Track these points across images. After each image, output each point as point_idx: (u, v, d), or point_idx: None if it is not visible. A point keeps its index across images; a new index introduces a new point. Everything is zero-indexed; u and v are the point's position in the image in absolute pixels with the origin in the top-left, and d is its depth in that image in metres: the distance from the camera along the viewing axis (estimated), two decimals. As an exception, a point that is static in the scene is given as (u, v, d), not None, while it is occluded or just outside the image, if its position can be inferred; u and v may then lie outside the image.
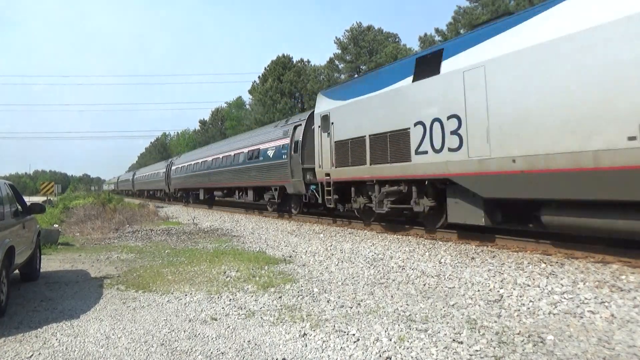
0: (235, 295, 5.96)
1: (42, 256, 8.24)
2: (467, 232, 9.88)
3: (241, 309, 5.37)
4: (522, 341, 4.06)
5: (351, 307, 5.29)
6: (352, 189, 12.20)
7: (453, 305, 5.29)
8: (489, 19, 10.15)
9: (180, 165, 32.06)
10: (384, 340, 4.18)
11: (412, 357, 3.80)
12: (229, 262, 8.33)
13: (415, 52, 19.52)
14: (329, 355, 3.91)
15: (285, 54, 44.98)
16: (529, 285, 5.74)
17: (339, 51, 39.92)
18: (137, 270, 7.85)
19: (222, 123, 62.07)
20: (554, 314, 4.78)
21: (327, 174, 12.83)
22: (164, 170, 36.95)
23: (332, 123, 12.55)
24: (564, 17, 6.77)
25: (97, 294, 6.27)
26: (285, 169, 16.07)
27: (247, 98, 53.96)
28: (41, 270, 7.77)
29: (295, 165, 15.36)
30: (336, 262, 8.13)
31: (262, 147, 18.34)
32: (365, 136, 11.07)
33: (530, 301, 5.22)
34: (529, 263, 6.86)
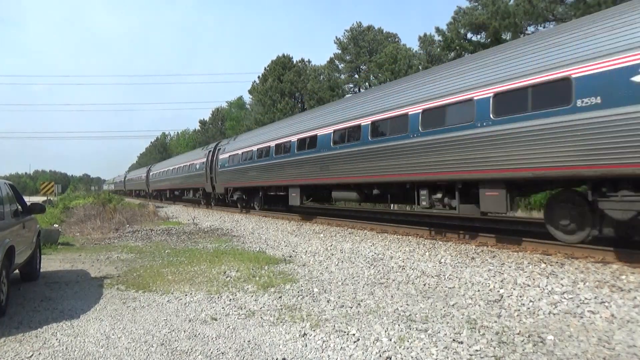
0: (236, 295, 5.96)
1: (42, 256, 8.24)
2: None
3: (241, 309, 5.37)
4: (522, 341, 4.06)
5: (351, 307, 5.29)
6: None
7: (453, 305, 5.29)
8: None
9: (233, 153, 21.73)
10: (384, 340, 4.18)
11: (412, 357, 3.80)
12: (229, 262, 8.33)
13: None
14: (329, 355, 3.91)
15: (286, 54, 45.02)
16: (529, 285, 5.74)
17: (339, 51, 39.92)
18: (137, 270, 7.85)
19: (223, 123, 62.04)
20: (554, 314, 4.78)
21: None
22: (204, 160, 25.54)
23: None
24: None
25: (97, 294, 6.27)
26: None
27: (247, 98, 53.99)
28: (41, 270, 7.77)
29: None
30: (336, 262, 8.13)
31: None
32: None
33: (531, 301, 5.22)
34: (529, 263, 6.86)
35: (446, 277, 6.61)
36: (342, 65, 40.14)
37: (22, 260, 6.33)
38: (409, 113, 9.99)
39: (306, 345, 4.14)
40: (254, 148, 18.88)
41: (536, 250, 7.98)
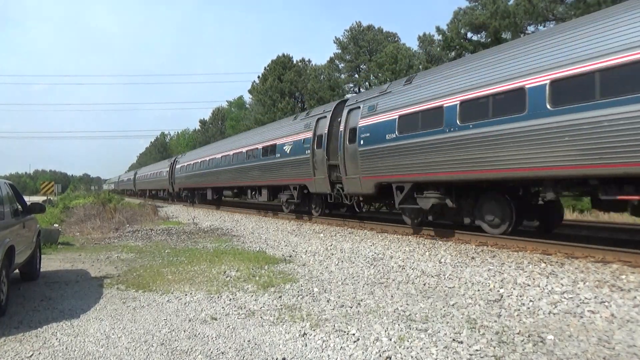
0: (235, 295, 5.96)
1: (42, 256, 8.23)
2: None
3: (241, 308, 5.37)
4: (522, 341, 4.06)
5: (351, 307, 5.29)
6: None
7: (453, 304, 5.28)
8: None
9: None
10: (384, 340, 4.18)
11: (412, 357, 3.80)
12: (229, 262, 8.33)
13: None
14: (329, 355, 3.91)
15: (286, 54, 45.01)
16: (529, 285, 5.74)
17: (339, 51, 39.92)
18: (137, 270, 7.85)
19: (223, 122, 62.03)
20: (554, 314, 4.78)
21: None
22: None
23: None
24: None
25: (97, 293, 6.27)
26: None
27: (247, 98, 53.97)
28: (41, 269, 7.77)
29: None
30: (336, 262, 8.13)
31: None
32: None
33: (530, 301, 5.22)
34: (529, 263, 6.86)
35: (446, 276, 6.61)
36: (342, 65, 40.14)
37: (22, 260, 6.33)
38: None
39: (306, 345, 4.14)
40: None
41: (536, 250, 7.97)
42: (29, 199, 11.83)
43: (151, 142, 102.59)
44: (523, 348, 3.90)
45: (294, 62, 44.54)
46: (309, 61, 44.56)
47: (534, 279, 5.92)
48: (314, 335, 4.36)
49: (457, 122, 8.78)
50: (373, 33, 38.73)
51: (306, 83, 39.32)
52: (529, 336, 4.17)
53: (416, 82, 10.44)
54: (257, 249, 10.10)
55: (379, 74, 32.75)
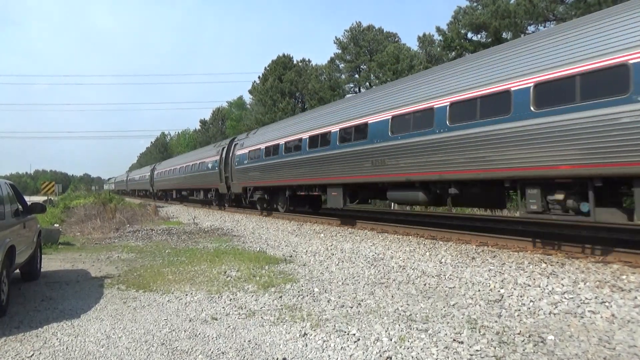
0: (236, 295, 5.96)
1: (42, 256, 8.24)
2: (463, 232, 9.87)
3: (242, 308, 5.37)
4: (523, 341, 4.06)
5: (352, 307, 5.29)
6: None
7: (453, 305, 5.28)
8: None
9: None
10: (384, 340, 4.18)
11: (412, 357, 3.80)
12: (230, 262, 8.33)
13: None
14: (329, 355, 3.91)
15: (286, 54, 45.02)
16: (529, 285, 5.73)
17: (339, 51, 39.91)
18: (137, 270, 7.85)
19: (223, 123, 62.05)
20: (554, 314, 4.78)
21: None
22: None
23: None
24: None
25: (97, 293, 6.27)
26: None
27: (248, 98, 53.98)
28: (42, 269, 7.77)
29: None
30: (337, 262, 8.13)
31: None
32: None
33: (531, 301, 5.21)
34: (529, 263, 6.85)
35: (447, 277, 6.61)
36: (342, 65, 40.12)
37: (22, 259, 6.34)
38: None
39: (306, 345, 4.14)
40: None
41: (537, 250, 7.97)
42: (29, 199, 11.83)
43: (151, 142, 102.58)
44: (524, 348, 3.90)
45: (294, 62, 44.56)
46: (309, 61, 44.60)
47: (534, 279, 5.92)
48: (315, 336, 4.36)
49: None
50: (373, 33, 38.70)
51: (307, 83, 39.32)
52: (529, 336, 4.17)
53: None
54: (258, 249, 10.10)
55: (380, 74, 32.74)
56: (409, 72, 28.77)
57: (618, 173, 6.45)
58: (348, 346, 4.08)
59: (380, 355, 3.85)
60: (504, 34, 22.09)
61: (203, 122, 68.47)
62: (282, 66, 43.82)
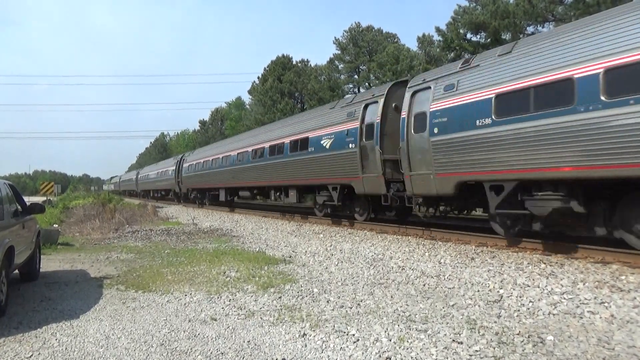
0: (235, 296, 5.96)
1: (41, 256, 8.23)
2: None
3: (241, 309, 5.37)
4: (522, 341, 4.06)
5: (351, 308, 5.29)
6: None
7: (453, 305, 5.29)
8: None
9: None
10: (383, 341, 4.18)
11: (411, 358, 3.80)
12: (229, 262, 8.33)
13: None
14: (328, 356, 3.91)
15: (285, 54, 45.07)
16: (528, 286, 5.74)
17: (339, 51, 39.92)
18: (136, 271, 7.84)
19: (222, 123, 62.06)
20: (553, 315, 4.78)
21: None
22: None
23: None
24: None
25: (96, 294, 6.27)
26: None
27: (246, 98, 53.98)
28: (41, 270, 7.76)
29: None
30: (336, 263, 8.13)
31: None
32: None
33: (530, 301, 5.22)
34: (528, 263, 6.86)
35: (446, 277, 6.61)
36: (341, 65, 40.13)
37: (21, 260, 6.33)
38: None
39: (306, 346, 4.14)
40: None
41: (536, 250, 7.97)
42: (28, 200, 11.82)
43: (151, 143, 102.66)
44: (523, 349, 3.90)
45: (294, 62, 44.59)
46: (307, 61, 44.64)
47: (533, 280, 5.93)
48: (314, 336, 4.36)
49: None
50: (372, 34, 38.72)
51: (306, 84, 39.34)
52: (528, 337, 4.17)
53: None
54: (257, 249, 10.10)
55: (380, 75, 32.76)
56: (408, 72, 28.78)
57: None
58: (347, 347, 4.08)
59: (380, 356, 3.85)
60: (503, 34, 22.12)
61: (202, 123, 68.49)
62: (281, 67, 43.86)
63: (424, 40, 32.20)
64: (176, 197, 35.33)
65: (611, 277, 5.83)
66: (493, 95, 8.16)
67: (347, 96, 18.28)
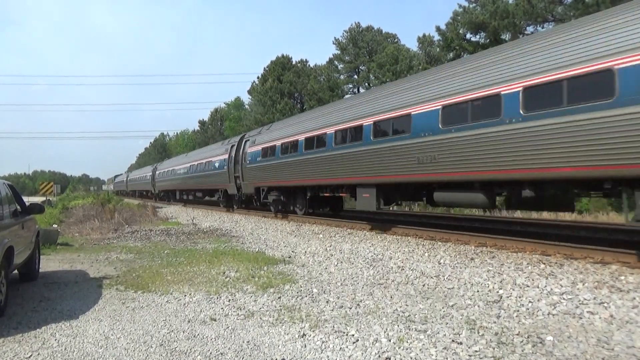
0: (235, 296, 5.95)
1: (41, 256, 8.22)
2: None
3: (240, 309, 5.36)
4: (522, 342, 4.06)
5: (350, 308, 5.29)
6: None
7: (452, 305, 5.29)
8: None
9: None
10: (383, 341, 4.18)
11: (411, 358, 3.80)
12: (228, 263, 8.32)
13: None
14: (328, 356, 3.91)
15: (285, 54, 45.09)
16: (528, 286, 5.74)
17: (338, 52, 39.93)
18: (136, 271, 7.84)
19: (221, 123, 62.06)
20: (553, 315, 4.78)
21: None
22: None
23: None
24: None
25: (96, 294, 6.26)
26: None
27: (246, 98, 54.00)
28: (40, 270, 7.76)
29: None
30: (335, 263, 8.12)
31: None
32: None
33: (530, 302, 5.22)
34: (528, 264, 6.86)
35: (445, 277, 6.61)
36: (341, 65, 40.15)
37: (21, 260, 6.32)
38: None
39: (305, 346, 4.14)
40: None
41: (535, 250, 7.97)
42: (27, 200, 11.81)
43: (150, 143, 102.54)
44: (522, 349, 3.90)
45: (293, 62, 44.61)
46: (306, 61, 44.64)
47: (533, 280, 5.93)
48: (313, 336, 4.36)
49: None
50: (372, 34, 38.75)
51: (305, 84, 39.34)
52: (528, 337, 4.17)
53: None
54: (257, 249, 10.09)
55: (379, 75, 32.76)
56: (407, 72, 28.79)
57: None
58: (347, 347, 4.08)
59: (379, 356, 3.85)
60: (502, 34, 22.13)
61: (202, 123, 68.48)
62: (281, 67, 43.89)
63: (424, 41, 32.22)
64: (229, 201, 23.79)
65: (610, 277, 5.83)
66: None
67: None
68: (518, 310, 5.01)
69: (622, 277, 5.77)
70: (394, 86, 11.99)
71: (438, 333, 4.35)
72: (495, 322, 4.63)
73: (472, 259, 7.56)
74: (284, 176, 16.20)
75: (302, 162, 14.82)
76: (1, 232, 5.37)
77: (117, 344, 4.27)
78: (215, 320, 4.98)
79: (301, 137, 15.06)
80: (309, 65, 43.93)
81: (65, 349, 4.19)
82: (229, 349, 4.12)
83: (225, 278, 7.05)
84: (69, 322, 4.96)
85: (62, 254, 10.18)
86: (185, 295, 6.04)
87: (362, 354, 3.92)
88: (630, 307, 4.75)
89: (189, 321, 4.96)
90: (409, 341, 4.16)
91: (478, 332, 4.34)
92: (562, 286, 5.57)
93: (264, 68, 45.39)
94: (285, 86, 41.62)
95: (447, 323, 4.65)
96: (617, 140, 6.36)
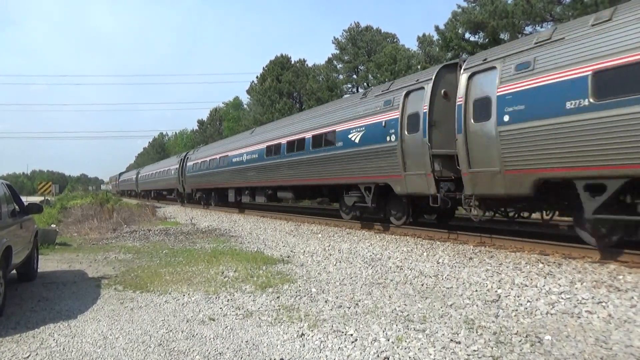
0: (233, 296, 5.95)
1: (39, 256, 8.21)
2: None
3: (239, 309, 5.36)
4: (520, 341, 4.07)
5: (349, 308, 5.29)
6: None
7: (451, 305, 5.29)
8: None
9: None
10: (381, 341, 4.18)
11: (410, 357, 3.80)
12: (227, 262, 8.32)
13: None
14: (326, 356, 3.91)
15: (284, 54, 45.04)
16: (526, 286, 5.75)
17: (337, 51, 39.90)
18: (134, 271, 7.83)
19: (220, 123, 62.00)
20: (551, 314, 4.79)
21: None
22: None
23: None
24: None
25: (94, 294, 6.26)
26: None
27: (245, 98, 53.98)
28: (38, 270, 7.75)
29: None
30: (334, 262, 8.13)
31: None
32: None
33: (528, 301, 5.22)
34: (526, 263, 6.87)
35: (444, 277, 6.62)
36: (340, 65, 40.12)
37: (19, 260, 6.31)
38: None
39: (304, 346, 4.14)
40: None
41: (534, 250, 7.98)
42: (26, 199, 11.79)
43: (149, 143, 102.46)
44: (521, 348, 3.91)
45: (292, 62, 44.57)
46: (304, 61, 44.62)
47: (531, 280, 5.93)
48: (312, 336, 4.36)
49: None
50: (371, 34, 38.71)
51: (304, 84, 39.33)
52: (526, 336, 4.18)
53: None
54: (255, 249, 10.09)
55: (378, 74, 32.76)
56: (406, 72, 28.78)
57: None
58: (345, 346, 4.08)
59: (378, 356, 3.85)
60: (501, 34, 22.14)
61: (201, 123, 68.40)
62: (280, 66, 43.82)
63: (424, 40, 32.21)
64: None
65: (609, 276, 5.84)
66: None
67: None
68: (516, 310, 5.01)
69: (621, 277, 5.78)
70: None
71: (437, 332, 4.35)
72: (493, 322, 4.64)
73: (470, 258, 7.57)
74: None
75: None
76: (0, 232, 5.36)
77: (115, 344, 4.26)
78: (214, 320, 4.98)
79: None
80: (308, 65, 43.92)
81: (63, 349, 4.18)
82: (228, 348, 4.12)
83: (224, 278, 7.04)
84: (67, 322, 4.95)
85: (61, 253, 10.17)
86: (183, 295, 6.03)
87: (361, 353, 3.92)
88: (628, 306, 4.75)
89: (187, 321, 4.95)
90: (407, 341, 4.16)
91: (476, 332, 4.34)
92: (560, 286, 5.58)
93: (263, 68, 45.33)
94: (284, 86, 41.57)
95: (445, 322, 4.66)
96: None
